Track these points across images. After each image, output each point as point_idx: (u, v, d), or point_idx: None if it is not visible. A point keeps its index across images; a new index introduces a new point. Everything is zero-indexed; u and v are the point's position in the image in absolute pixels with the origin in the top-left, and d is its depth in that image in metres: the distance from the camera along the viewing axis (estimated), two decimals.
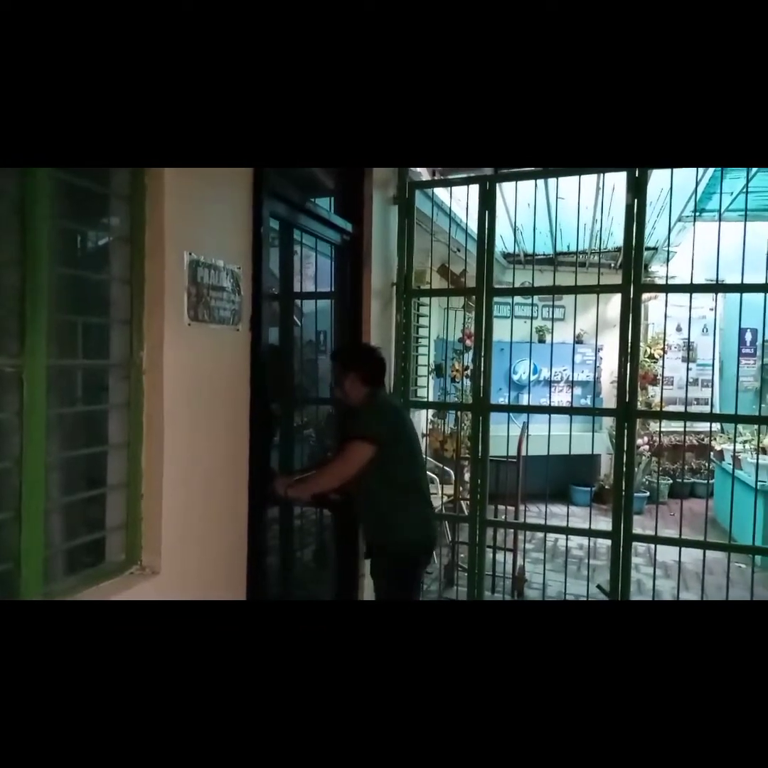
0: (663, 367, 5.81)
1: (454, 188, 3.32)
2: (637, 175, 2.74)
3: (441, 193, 3.42)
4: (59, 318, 1.42)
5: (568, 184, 3.16)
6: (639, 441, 6.52)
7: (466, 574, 3.17)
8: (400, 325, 3.12)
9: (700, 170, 3.44)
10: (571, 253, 5.65)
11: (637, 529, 3.03)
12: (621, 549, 2.81)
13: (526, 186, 3.23)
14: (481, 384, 3.01)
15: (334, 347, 2.78)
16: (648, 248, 5.67)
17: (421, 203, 3.24)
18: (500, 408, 3.20)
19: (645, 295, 5.75)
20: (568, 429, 2.98)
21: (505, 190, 3.81)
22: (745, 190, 3.47)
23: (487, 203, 2.95)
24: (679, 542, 2.87)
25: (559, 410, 3.52)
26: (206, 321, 1.74)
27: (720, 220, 2.76)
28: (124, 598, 1.45)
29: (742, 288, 2.69)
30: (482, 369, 3.01)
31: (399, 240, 3.10)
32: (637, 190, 2.74)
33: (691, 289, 2.74)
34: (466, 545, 3.21)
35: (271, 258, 2.35)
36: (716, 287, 2.79)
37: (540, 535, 4.56)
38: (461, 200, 3.17)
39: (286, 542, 2.52)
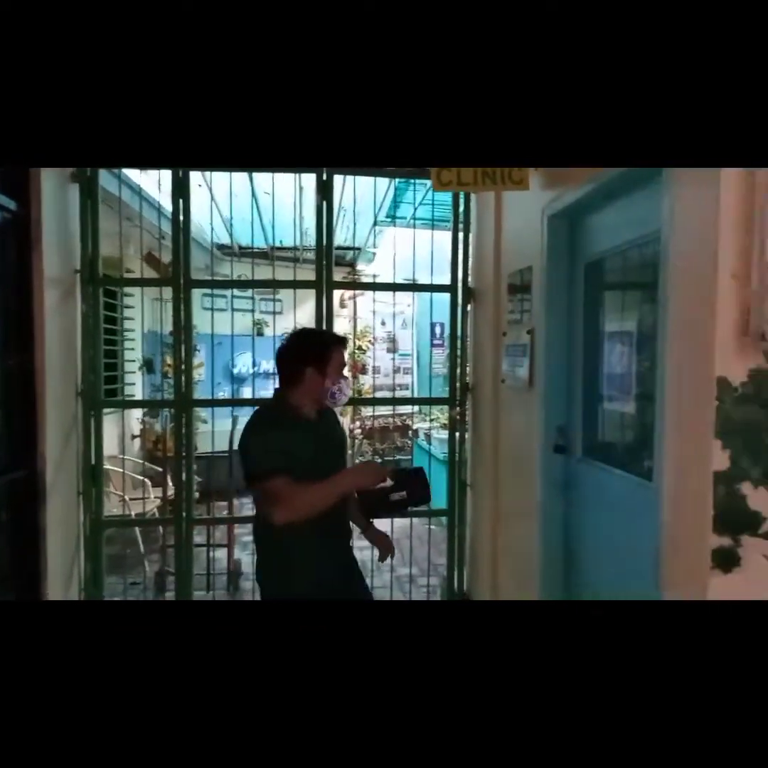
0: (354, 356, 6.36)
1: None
2: (325, 178, 2.93)
3: (138, 176, 3.18)
4: None
5: (282, 180, 3.24)
6: (353, 425, 7.09)
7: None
8: (86, 317, 2.82)
9: (385, 181, 3.84)
10: (285, 248, 5.83)
11: None
12: None
13: (238, 177, 3.20)
14: (183, 379, 2.92)
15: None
16: (352, 248, 6.16)
17: (110, 184, 2.97)
18: (202, 403, 3.13)
19: (351, 292, 6.24)
20: None
21: (216, 180, 3.72)
22: (420, 202, 3.98)
23: (181, 191, 2.84)
24: None
25: (246, 402, 3.53)
26: None
27: (395, 225, 3.12)
28: None
29: (414, 288, 3.10)
30: (183, 363, 2.91)
31: (82, 222, 2.79)
32: (325, 192, 2.93)
33: (373, 287, 3.06)
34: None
35: None
36: (394, 286, 3.16)
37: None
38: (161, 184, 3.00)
39: None
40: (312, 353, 1.75)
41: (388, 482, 1.74)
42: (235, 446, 3.75)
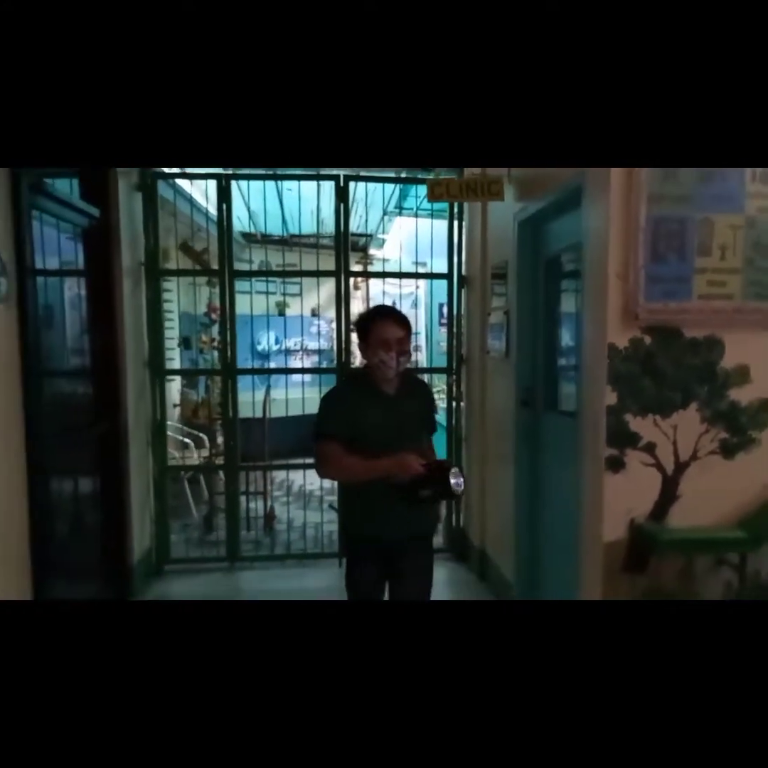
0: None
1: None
2: (342, 184, 3.53)
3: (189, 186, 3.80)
4: None
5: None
6: None
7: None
8: (150, 302, 3.48)
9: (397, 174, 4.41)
10: (305, 236, 6.41)
11: None
12: None
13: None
14: (228, 352, 3.57)
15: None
16: (364, 235, 6.73)
17: (162, 187, 3.59)
18: (246, 371, 3.79)
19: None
20: (313, 392, 3.71)
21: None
22: (424, 197, 4.55)
23: (224, 198, 3.46)
24: None
25: (293, 370, 4.24)
26: None
27: (402, 215, 3.71)
28: None
29: (417, 275, 3.70)
30: (228, 339, 3.57)
31: (144, 225, 3.42)
32: (342, 196, 3.53)
33: (383, 275, 3.67)
34: (223, 496, 3.77)
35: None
36: (400, 274, 3.77)
37: (287, 484, 5.33)
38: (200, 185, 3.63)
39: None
40: (358, 331, 1.87)
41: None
42: (269, 414, 4.45)
